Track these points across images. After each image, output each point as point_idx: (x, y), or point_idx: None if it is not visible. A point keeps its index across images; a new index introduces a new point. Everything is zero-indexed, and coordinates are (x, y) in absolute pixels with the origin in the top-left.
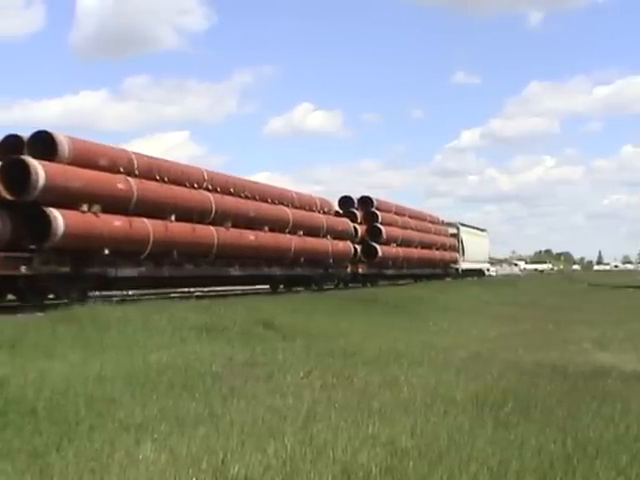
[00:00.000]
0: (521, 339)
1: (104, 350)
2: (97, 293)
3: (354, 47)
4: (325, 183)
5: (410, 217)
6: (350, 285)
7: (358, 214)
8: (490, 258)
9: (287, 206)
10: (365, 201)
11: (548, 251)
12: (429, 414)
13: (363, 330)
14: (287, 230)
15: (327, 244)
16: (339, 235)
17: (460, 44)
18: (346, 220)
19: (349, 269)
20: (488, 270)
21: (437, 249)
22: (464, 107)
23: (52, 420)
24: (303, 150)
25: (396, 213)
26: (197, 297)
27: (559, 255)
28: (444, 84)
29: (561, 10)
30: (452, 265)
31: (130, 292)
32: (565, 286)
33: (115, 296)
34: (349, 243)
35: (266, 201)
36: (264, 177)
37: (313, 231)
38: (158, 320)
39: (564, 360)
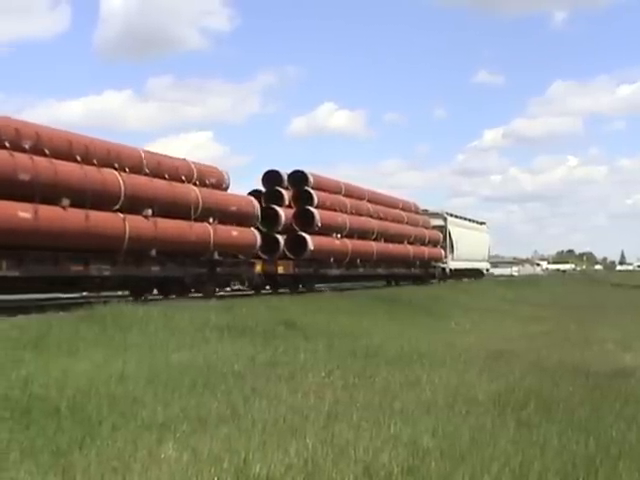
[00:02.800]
0: (543, 339)
1: (126, 349)
2: None
3: (377, 47)
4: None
5: (371, 201)
6: (267, 291)
7: (285, 194)
8: (514, 258)
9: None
10: (298, 178)
11: (570, 251)
12: (451, 414)
13: (385, 330)
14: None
15: (207, 230)
16: (233, 219)
17: (483, 43)
18: (248, 199)
19: (258, 268)
20: (487, 270)
21: (411, 243)
22: (487, 107)
23: (75, 419)
24: (326, 150)
25: (347, 195)
26: (219, 297)
27: (581, 255)
28: (467, 83)
29: (585, 9)
30: (436, 264)
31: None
32: (587, 286)
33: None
34: (252, 231)
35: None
36: None
37: (177, 210)
38: (180, 320)
39: (587, 360)
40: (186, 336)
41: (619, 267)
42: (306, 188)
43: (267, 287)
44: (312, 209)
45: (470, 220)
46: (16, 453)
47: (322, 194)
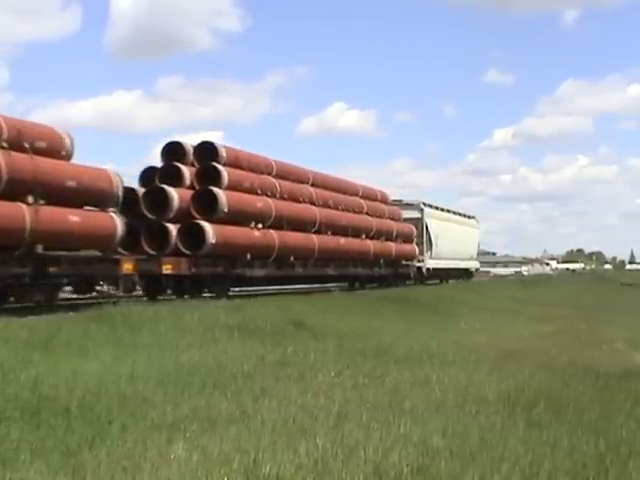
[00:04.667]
0: (553, 339)
1: (136, 349)
2: None
3: (387, 46)
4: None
5: (317, 186)
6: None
7: (186, 171)
8: (523, 258)
9: None
10: (206, 151)
11: (580, 250)
12: (461, 414)
13: (395, 329)
14: None
15: (20, 213)
16: (74, 198)
17: (493, 42)
18: (101, 172)
19: (127, 267)
20: (477, 270)
21: (372, 237)
22: (497, 106)
23: (85, 419)
24: (336, 150)
25: (279, 176)
26: (228, 297)
27: (591, 254)
28: (477, 83)
29: (596, 8)
30: (409, 263)
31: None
32: (597, 285)
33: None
34: (110, 217)
35: None
36: None
37: None
38: (189, 320)
39: (597, 360)
40: (196, 336)
41: (629, 266)
42: (213, 164)
43: (144, 291)
44: (216, 190)
45: (455, 213)
46: (26, 453)
47: (237, 172)
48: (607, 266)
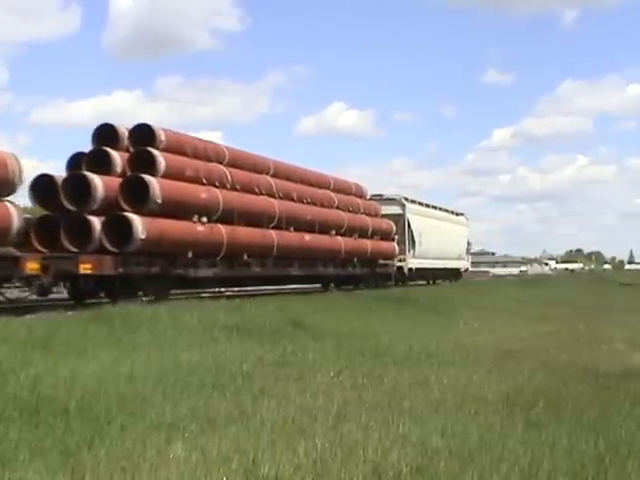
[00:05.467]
0: (552, 339)
1: (135, 349)
2: None
3: (387, 46)
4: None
5: (279, 177)
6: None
7: (116, 157)
8: (522, 258)
9: None
10: (143, 135)
11: (579, 250)
12: (460, 414)
13: (394, 329)
14: None
15: None
16: None
17: (492, 43)
18: None
19: (31, 266)
20: (466, 270)
21: (344, 234)
22: (496, 106)
23: (84, 419)
24: (334, 149)
25: (233, 165)
26: (227, 297)
27: (590, 254)
28: (476, 83)
29: (595, 8)
30: (388, 262)
31: None
32: (596, 285)
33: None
34: (7, 208)
35: None
36: None
37: None
38: (189, 320)
39: (596, 360)
40: (195, 336)
41: (628, 266)
42: (147, 149)
43: (69, 294)
44: (148, 178)
45: (442, 209)
46: (25, 453)
47: (178, 159)
48: (606, 266)
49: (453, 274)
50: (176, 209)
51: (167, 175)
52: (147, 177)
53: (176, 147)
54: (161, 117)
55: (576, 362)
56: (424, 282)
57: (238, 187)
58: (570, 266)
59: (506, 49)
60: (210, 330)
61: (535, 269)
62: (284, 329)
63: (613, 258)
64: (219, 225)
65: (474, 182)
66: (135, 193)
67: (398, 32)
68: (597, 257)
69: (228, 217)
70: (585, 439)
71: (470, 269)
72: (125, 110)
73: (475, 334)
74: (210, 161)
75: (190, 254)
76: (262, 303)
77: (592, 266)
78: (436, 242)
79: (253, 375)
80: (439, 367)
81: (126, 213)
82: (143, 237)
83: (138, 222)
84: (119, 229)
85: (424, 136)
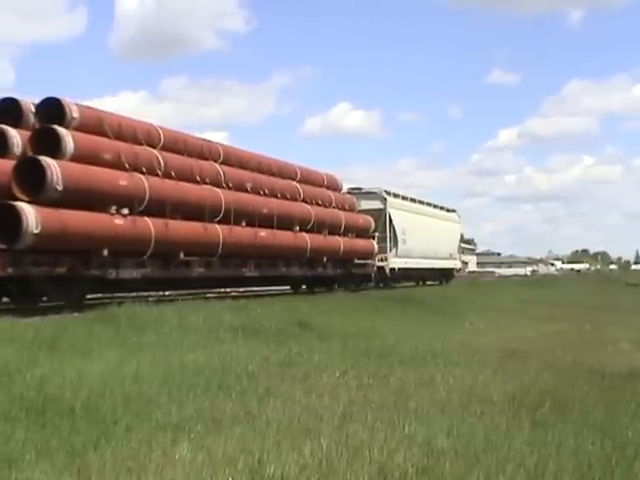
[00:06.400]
0: (558, 339)
1: (141, 350)
2: None
3: (392, 47)
4: (361, 183)
5: (231, 165)
6: None
7: (14, 137)
8: (528, 258)
9: None
10: (52, 111)
11: (585, 251)
12: (465, 414)
13: (400, 330)
14: None
15: None
16: None
17: (498, 43)
18: None
19: None
20: (459, 270)
21: (311, 231)
22: (502, 106)
23: (90, 419)
24: (340, 150)
25: (170, 149)
26: (233, 297)
27: (596, 255)
28: (481, 83)
29: (602, 8)
30: (366, 262)
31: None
32: (602, 286)
33: (151, 296)
34: None
35: None
36: None
37: None
38: (194, 320)
39: (602, 360)
40: (200, 336)
41: (634, 266)
42: (51, 126)
43: None
44: (46, 160)
45: (430, 204)
46: (31, 453)
47: (93, 140)
48: (612, 266)
49: (444, 274)
50: (86, 198)
51: (77, 158)
52: (45, 159)
53: (93, 126)
54: (167, 118)
55: (582, 362)
56: (410, 284)
57: (173, 174)
58: (576, 266)
59: (511, 49)
60: (216, 330)
61: (541, 269)
62: (290, 329)
63: (619, 258)
64: (146, 218)
65: (479, 182)
66: (32, 179)
67: (404, 33)
68: (603, 257)
69: (158, 209)
70: (592, 440)
71: (475, 269)
72: (131, 111)
73: (481, 334)
74: (139, 143)
75: (105, 252)
76: (268, 304)
77: (598, 266)
78: (423, 240)
79: (259, 376)
80: (445, 367)
81: (15, 202)
82: (37, 231)
83: (30, 213)
84: (9, 222)
85: (430, 136)
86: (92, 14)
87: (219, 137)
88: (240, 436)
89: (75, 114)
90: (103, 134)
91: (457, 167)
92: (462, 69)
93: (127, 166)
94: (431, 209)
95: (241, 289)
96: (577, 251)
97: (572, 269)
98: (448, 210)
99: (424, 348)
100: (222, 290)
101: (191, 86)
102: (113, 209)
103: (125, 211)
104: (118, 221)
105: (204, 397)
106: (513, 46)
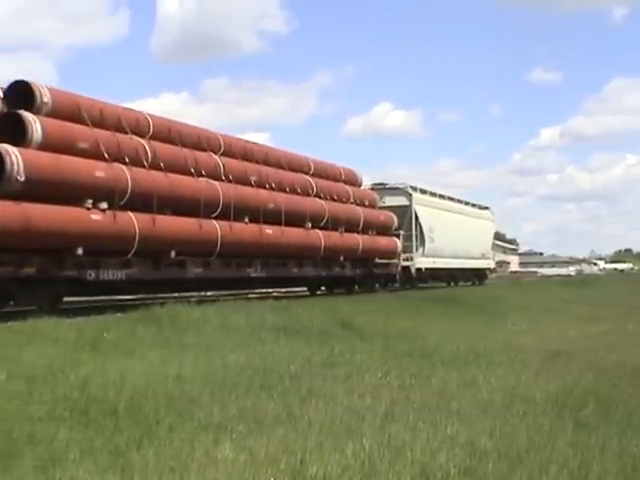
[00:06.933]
0: (602, 339)
1: (183, 350)
2: None
3: (434, 46)
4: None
5: (233, 155)
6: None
7: None
8: (570, 258)
9: None
10: (21, 96)
11: (628, 250)
12: (508, 415)
13: (441, 330)
14: None
15: None
16: None
17: (539, 41)
18: None
19: None
20: (492, 270)
21: (325, 228)
22: (543, 105)
23: (132, 419)
24: (381, 150)
25: (157, 137)
26: (275, 298)
27: None
28: (523, 81)
29: None
30: (389, 261)
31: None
32: None
33: (193, 296)
34: None
35: None
36: None
37: None
38: (236, 320)
39: None
40: (242, 336)
41: None
42: (18, 112)
43: None
44: (5, 148)
45: (460, 201)
46: (75, 452)
47: (65, 127)
48: None
49: (476, 275)
50: (56, 191)
51: (46, 146)
52: (3, 147)
53: (69, 112)
54: (208, 119)
55: (625, 363)
56: (441, 284)
57: (162, 165)
58: (619, 266)
59: (553, 47)
60: (258, 331)
61: (584, 269)
62: (332, 330)
63: None
64: (129, 213)
65: (521, 182)
66: None
67: (444, 32)
68: None
69: (144, 203)
70: (636, 441)
71: (518, 269)
72: (173, 112)
73: (523, 334)
74: (123, 132)
75: (80, 250)
76: (309, 304)
77: None
78: (452, 238)
79: (301, 376)
80: (487, 368)
81: None
82: None
83: None
84: None
85: (471, 136)
86: (134, 17)
87: (261, 138)
88: (282, 436)
89: (46, 99)
90: (80, 121)
91: (498, 167)
92: (503, 67)
93: (106, 156)
94: (462, 206)
95: (282, 289)
96: (620, 250)
97: (615, 269)
98: (481, 207)
99: (466, 348)
100: (264, 291)
101: (232, 87)
102: (89, 203)
103: (103, 205)
104: (95, 216)
105: (246, 397)
106: (554, 44)
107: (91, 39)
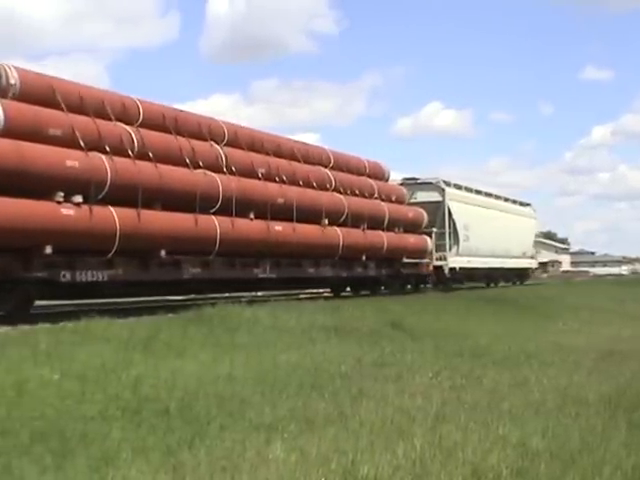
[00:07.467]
0: None
1: (234, 350)
2: None
3: (483, 45)
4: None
5: (238, 145)
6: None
7: None
8: (623, 257)
9: None
10: None
11: None
12: (560, 416)
13: (491, 330)
14: None
15: None
16: None
17: (591, 39)
18: None
19: None
20: (534, 270)
21: (344, 225)
22: (595, 103)
23: (184, 419)
24: (431, 150)
25: (149, 125)
26: (325, 298)
27: None
28: (574, 79)
29: None
30: (419, 261)
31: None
32: None
33: (244, 297)
34: None
35: None
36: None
37: None
38: (287, 320)
39: None
40: (293, 337)
41: None
42: None
43: None
44: None
45: (499, 197)
46: (128, 452)
47: (34, 111)
48: None
49: (517, 275)
50: (18, 182)
51: (9, 132)
52: None
53: (41, 95)
54: (258, 119)
55: None
56: (479, 285)
57: (151, 155)
58: None
59: (605, 45)
60: (309, 331)
61: (637, 268)
62: (382, 330)
63: None
64: (109, 208)
65: (573, 181)
66: None
67: (494, 30)
68: None
69: (128, 196)
70: None
71: (569, 269)
72: (223, 113)
73: (575, 334)
74: (106, 119)
75: (49, 249)
76: (360, 304)
77: None
78: (490, 237)
79: (351, 376)
80: (539, 368)
81: None
82: None
83: None
84: None
85: (521, 135)
86: (184, 18)
87: (311, 139)
88: (333, 436)
89: (13, 80)
90: (55, 105)
91: (549, 166)
92: (554, 65)
93: (82, 144)
94: (500, 202)
95: (313, 291)
96: None
97: None
98: (522, 204)
99: (517, 348)
100: (314, 291)
101: (282, 87)
102: (59, 196)
103: (78, 199)
104: (66, 211)
105: (297, 397)
106: (607, 41)
107: (142, 41)
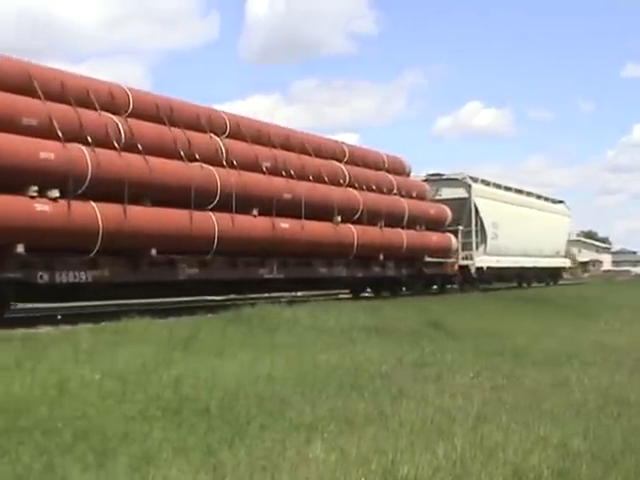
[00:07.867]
0: None
1: (273, 350)
2: None
3: (523, 44)
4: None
5: (242, 137)
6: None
7: None
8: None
9: None
10: None
11: None
12: (602, 416)
13: (531, 330)
14: None
15: None
16: None
17: (631, 35)
18: None
19: None
20: (566, 269)
21: (359, 222)
22: (636, 100)
23: (224, 419)
24: (470, 149)
25: (139, 115)
26: (366, 298)
27: None
28: (615, 77)
29: None
30: (446, 261)
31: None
32: None
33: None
34: None
35: None
36: None
37: None
38: (326, 320)
39: None
40: (333, 337)
41: None
42: None
43: None
44: None
45: (530, 194)
46: (168, 451)
47: (7, 100)
48: None
49: (549, 274)
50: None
51: None
52: None
53: (15, 82)
54: (298, 119)
55: None
56: (519, 285)
57: (140, 147)
58: None
59: None
60: (349, 331)
61: None
62: (422, 330)
63: None
64: (91, 203)
65: (614, 179)
66: None
67: (533, 29)
68: None
69: (113, 191)
70: None
71: (611, 268)
72: (263, 113)
73: (616, 334)
74: (91, 108)
75: (21, 248)
76: (401, 304)
77: None
78: (520, 235)
79: (392, 376)
80: (580, 368)
81: None
82: None
83: None
84: None
85: (561, 133)
86: (224, 19)
87: (351, 139)
88: (373, 436)
89: None
90: (31, 93)
91: (590, 164)
92: (594, 63)
93: (60, 134)
94: (531, 199)
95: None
96: None
97: None
98: (554, 201)
99: (558, 348)
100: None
101: (321, 86)
102: (33, 190)
103: (54, 193)
104: (40, 206)
105: (337, 397)
106: None
107: (183, 42)
